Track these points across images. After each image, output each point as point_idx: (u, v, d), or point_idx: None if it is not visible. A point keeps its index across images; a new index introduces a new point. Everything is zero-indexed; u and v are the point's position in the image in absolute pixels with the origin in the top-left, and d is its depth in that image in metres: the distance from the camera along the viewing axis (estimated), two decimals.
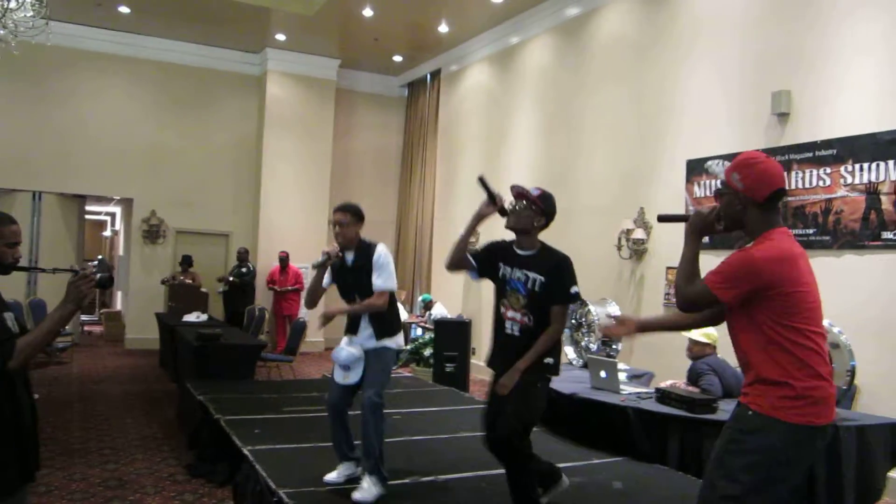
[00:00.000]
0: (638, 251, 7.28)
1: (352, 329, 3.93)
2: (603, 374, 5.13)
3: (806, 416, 2.22)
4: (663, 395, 4.66)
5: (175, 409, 6.78)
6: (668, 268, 6.94)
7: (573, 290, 3.30)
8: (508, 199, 3.38)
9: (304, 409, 5.70)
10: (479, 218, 3.35)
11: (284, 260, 11.06)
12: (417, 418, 5.54)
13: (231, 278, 10.87)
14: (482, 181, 3.35)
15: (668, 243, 7.00)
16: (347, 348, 3.86)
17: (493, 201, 3.31)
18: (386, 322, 3.92)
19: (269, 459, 4.14)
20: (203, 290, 10.45)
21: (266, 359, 7.96)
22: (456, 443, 4.86)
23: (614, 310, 6.59)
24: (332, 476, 3.92)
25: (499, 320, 3.42)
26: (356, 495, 3.65)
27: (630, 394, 4.93)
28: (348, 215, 3.86)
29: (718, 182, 2.44)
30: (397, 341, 3.99)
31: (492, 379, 3.42)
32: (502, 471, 3.41)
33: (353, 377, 3.85)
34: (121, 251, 15.00)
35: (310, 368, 9.92)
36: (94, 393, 7.86)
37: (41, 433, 5.87)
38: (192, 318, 8.96)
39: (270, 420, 5.26)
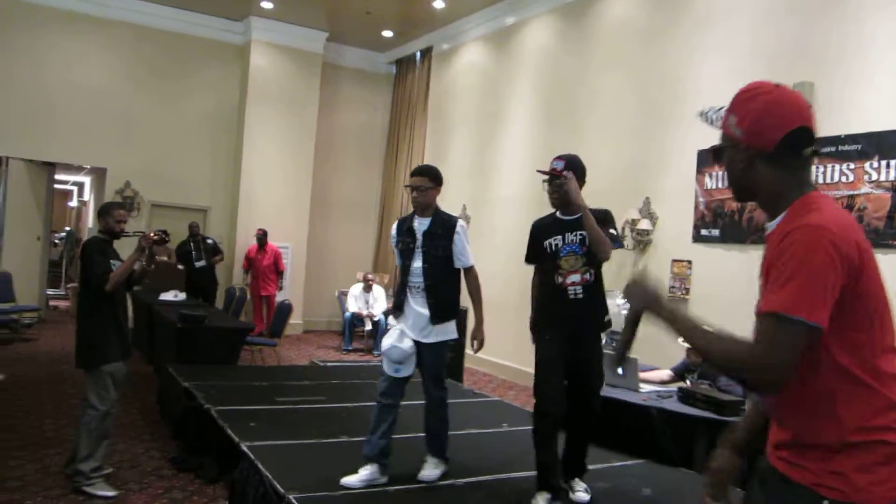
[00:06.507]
0: (642, 242, 7.06)
1: (399, 307, 3.77)
2: (620, 370, 4.89)
3: None
4: (686, 395, 4.45)
5: (155, 395, 6.39)
6: (674, 260, 6.74)
7: (612, 231, 3.51)
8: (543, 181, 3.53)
9: (298, 400, 5.38)
10: None
11: (262, 238, 10.55)
12: (417, 412, 5.25)
13: (181, 266, 9.95)
14: None
15: (674, 235, 6.81)
16: (399, 346, 3.65)
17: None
18: (450, 305, 3.77)
19: (271, 458, 3.81)
20: (179, 266, 9.97)
21: (251, 342, 7.57)
22: (463, 440, 4.56)
23: (620, 301, 6.36)
24: (351, 479, 3.55)
25: (555, 293, 3.48)
26: (422, 474, 3.72)
27: (650, 392, 4.71)
28: (426, 179, 3.72)
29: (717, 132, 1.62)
30: (450, 329, 3.79)
31: (552, 344, 3.46)
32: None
33: (406, 371, 3.70)
34: (90, 223, 14.37)
35: (293, 352, 9.55)
36: (65, 374, 7.37)
37: (11, 419, 5.44)
38: (169, 296, 8.53)
39: (264, 412, 4.92)
